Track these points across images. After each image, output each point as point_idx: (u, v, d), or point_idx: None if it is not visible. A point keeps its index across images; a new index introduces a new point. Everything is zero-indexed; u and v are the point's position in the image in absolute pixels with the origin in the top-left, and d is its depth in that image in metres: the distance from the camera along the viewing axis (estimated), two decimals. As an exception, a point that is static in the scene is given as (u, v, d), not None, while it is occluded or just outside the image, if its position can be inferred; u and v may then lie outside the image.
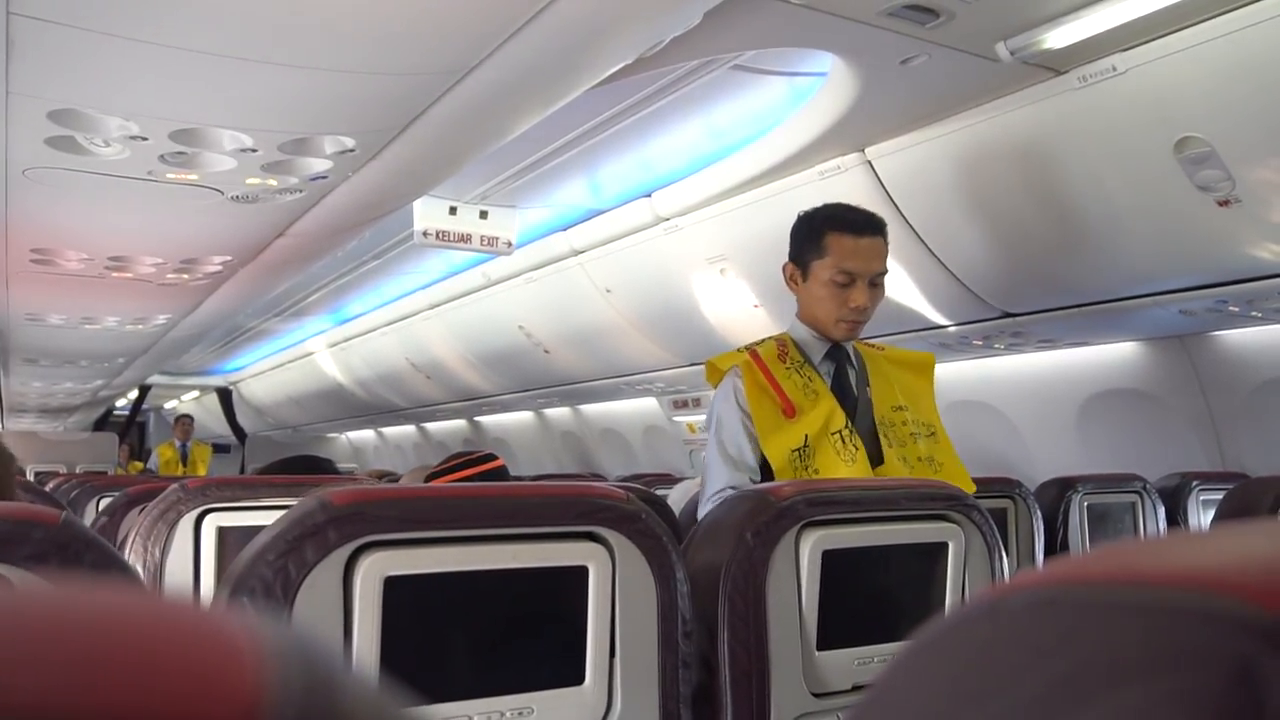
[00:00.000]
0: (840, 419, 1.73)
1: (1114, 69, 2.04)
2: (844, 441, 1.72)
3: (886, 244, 1.81)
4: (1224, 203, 2.12)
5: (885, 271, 1.80)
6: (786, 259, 1.86)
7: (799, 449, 1.72)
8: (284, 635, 0.19)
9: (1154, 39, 1.95)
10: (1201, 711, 0.20)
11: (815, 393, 1.76)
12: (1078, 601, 0.25)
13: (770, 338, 1.86)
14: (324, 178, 2.03)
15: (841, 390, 1.80)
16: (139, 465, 9.81)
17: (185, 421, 8.99)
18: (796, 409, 1.74)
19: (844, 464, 1.69)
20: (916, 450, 1.79)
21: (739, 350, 1.84)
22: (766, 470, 1.76)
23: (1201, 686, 0.21)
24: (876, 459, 1.74)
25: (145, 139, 1.74)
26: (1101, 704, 0.22)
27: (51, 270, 2.95)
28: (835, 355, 1.83)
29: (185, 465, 8.54)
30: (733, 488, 1.67)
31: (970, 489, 1.73)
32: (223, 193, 2.11)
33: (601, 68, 1.64)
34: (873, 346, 1.93)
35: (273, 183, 2.05)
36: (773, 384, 1.75)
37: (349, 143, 1.81)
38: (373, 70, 1.48)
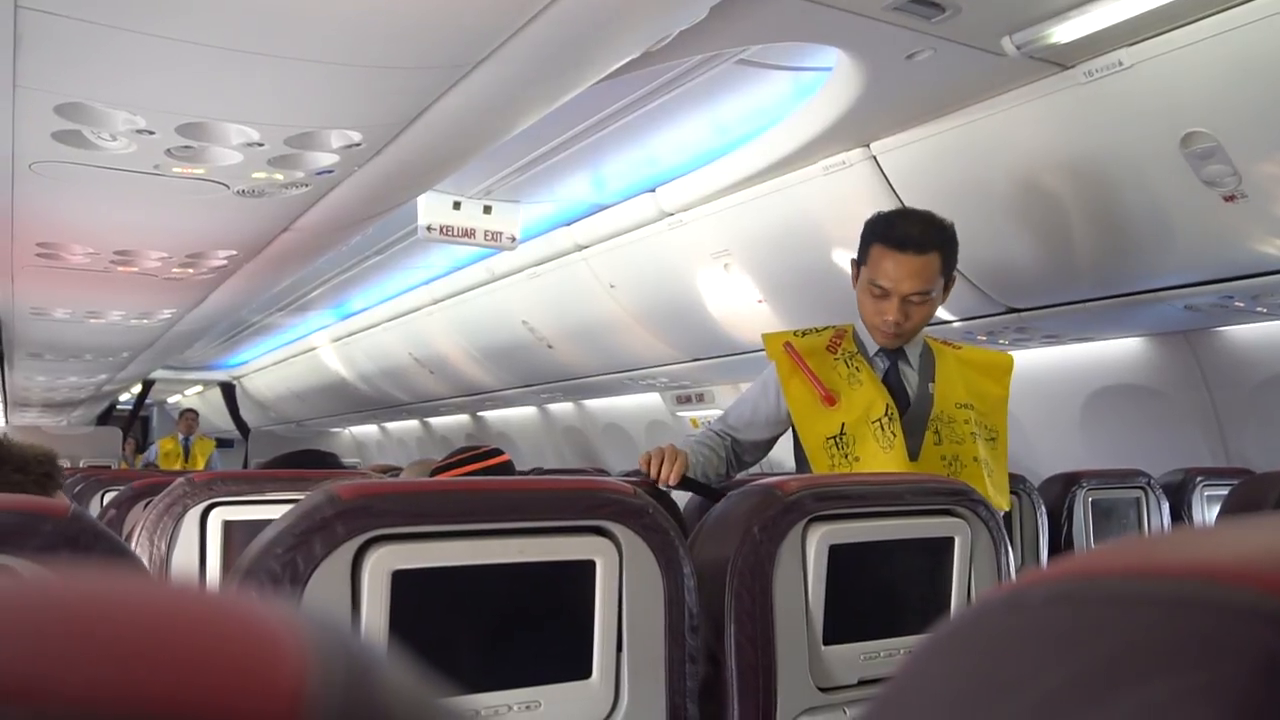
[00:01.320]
0: (880, 407, 1.75)
1: (1120, 64, 2.04)
2: (882, 429, 1.74)
3: (940, 260, 1.76)
4: (1230, 198, 2.12)
5: (925, 291, 1.75)
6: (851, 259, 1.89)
7: (835, 436, 1.75)
8: (324, 625, 0.19)
9: (1160, 33, 1.94)
10: (1227, 704, 0.20)
11: (860, 382, 1.78)
12: (1099, 595, 0.25)
13: (832, 326, 1.89)
14: (330, 172, 2.03)
15: (892, 386, 1.81)
16: (140, 456, 9.82)
17: (190, 417, 8.97)
18: (836, 397, 1.76)
19: (882, 451, 1.72)
20: (974, 450, 1.78)
21: (786, 334, 1.88)
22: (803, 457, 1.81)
23: (1226, 679, 0.21)
24: (915, 454, 1.75)
25: (152, 133, 1.74)
26: (1125, 697, 0.22)
27: (57, 264, 2.96)
28: (890, 352, 1.84)
29: (187, 460, 8.54)
30: (720, 433, 1.89)
31: (1003, 505, 1.76)
32: (229, 187, 2.11)
33: (608, 62, 1.63)
34: (948, 345, 1.94)
35: (279, 177, 2.05)
36: (808, 374, 1.78)
37: (355, 137, 1.81)
38: (380, 64, 1.47)
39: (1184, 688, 0.21)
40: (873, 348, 1.85)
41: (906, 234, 1.75)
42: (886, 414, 1.75)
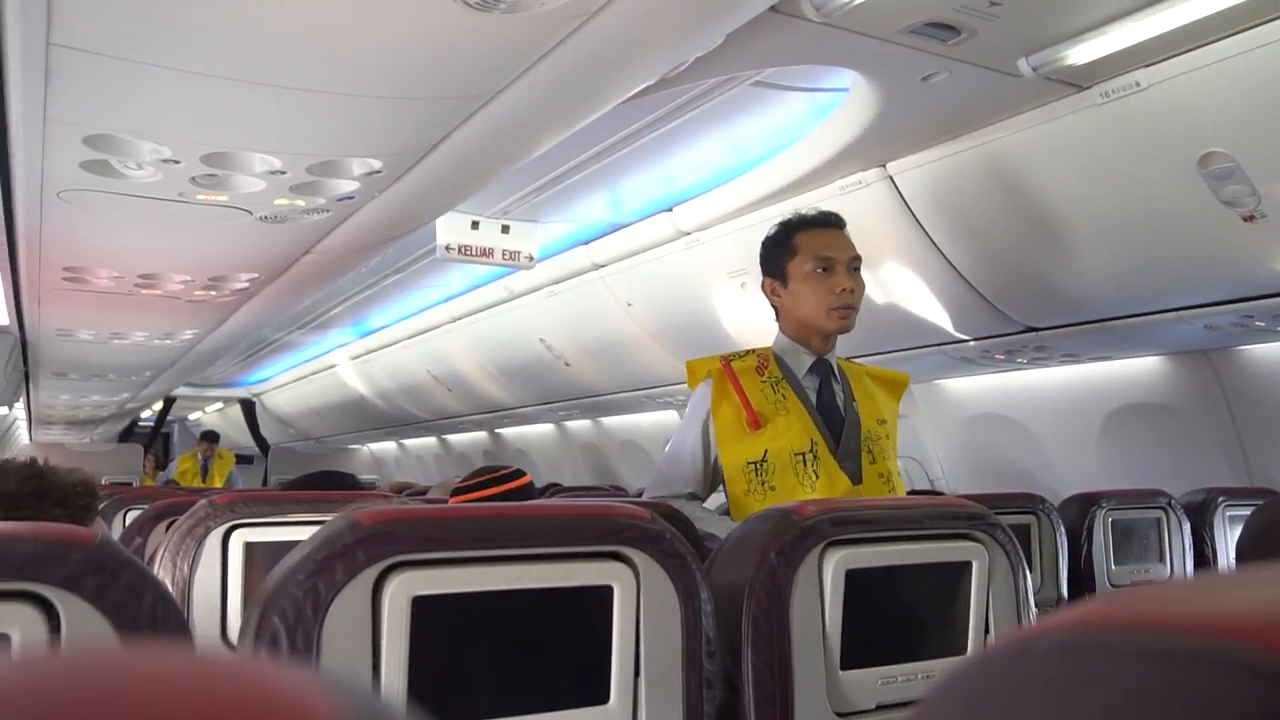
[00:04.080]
0: (805, 441, 1.74)
1: (1137, 84, 2.04)
2: (805, 464, 1.72)
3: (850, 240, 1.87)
4: (1249, 218, 2.11)
5: (860, 259, 1.84)
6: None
7: (756, 462, 1.74)
8: (352, 693, 0.20)
9: (1178, 54, 1.94)
10: (1226, 760, 0.21)
11: (787, 410, 1.77)
12: (1104, 647, 0.25)
13: (753, 350, 1.88)
14: (351, 198, 2.05)
15: (826, 406, 1.81)
16: (159, 474, 9.85)
17: (205, 448, 8.79)
18: (762, 422, 1.75)
19: (802, 488, 1.70)
20: (895, 465, 1.83)
21: (716, 357, 1.87)
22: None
23: (1226, 735, 0.21)
24: (857, 477, 1.75)
25: (177, 162, 1.77)
26: (1128, 751, 0.22)
27: (83, 288, 3.00)
28: (819, 370, 1.84)
29: (205, 479, 8.53)
30: (676, 496, 1.82)
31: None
32: (251, 213, 2.14)
33: (624, 89, 1.65)
34: (854, 363, 1.96)
35: (300, 203, 2.07)
36: (740, 394, 1.78)
37: (376, 164, 1.83)
38: (400, 95, 1.50)
39: None
40: (801, 368, 1.83)
41: (825, 215, 1.87)
42: (812, 450, 1.73)
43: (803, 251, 1.82)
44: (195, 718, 0.18)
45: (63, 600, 0.82)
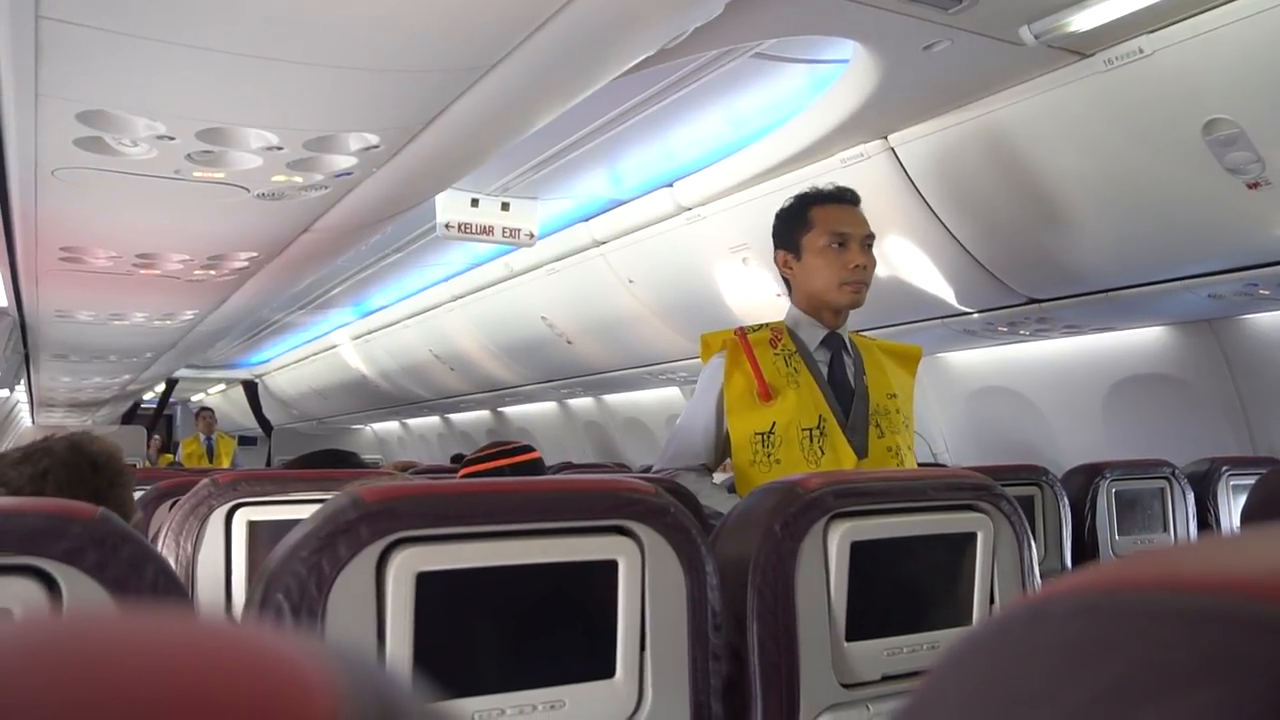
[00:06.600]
0: (813, 416, 1.74)
1: (1140, 51, 2.02)
2: (812, 440, 1.73)
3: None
4: (1254, 185, 2.09)
5: (873, 236, 1.84)
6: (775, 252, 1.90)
7: (764, 433, 1.74)
8: (354, 663, 0.19)
9: (1181, 20, 1.92)
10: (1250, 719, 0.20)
11: (798, 384, 1.78)
12: (1122, 608, 0.25)
13: (766, 324, 1.88)
14: (349, 174, 2.04)
15: (837, 379, 1.81)
16: (169, 457, 9.89)
17: (207, 415, 8.94)
18: (773, 393, 1.76)
19: (806, 463, 1.71)
20: (907, 438, 1.83)
21: (731, 330, 1.87)
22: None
23: (1250, 695, 0.21)
24: (864, 451, 1.76)
25: (172, 138, 1.76)
26: (1149, 713, 0.22)
27: (80, 268, 2.99)
28: (831, 343, 1.84)
29: (212, 459, 8.59)
30: (682, 470, 1.82)
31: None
32: (249, 190, 2.13)
33: (625, 60, 1.64)
34: (865, 337, 1.96)
35: (298, 180, 2.06)
36: (753, 365, 1.78)
37: (373, 139, 1.82)
38: (397, 68, 1.48)
39: (1207, 703, 0.21)
40: (813, 341, 1.84)
41: (841, 190, 1.87)
42: (820, 426, 1.73)
43: (818, 226, 1.81)
44: (188, 683, 0.18)
45: (64, 574, 0.82)
